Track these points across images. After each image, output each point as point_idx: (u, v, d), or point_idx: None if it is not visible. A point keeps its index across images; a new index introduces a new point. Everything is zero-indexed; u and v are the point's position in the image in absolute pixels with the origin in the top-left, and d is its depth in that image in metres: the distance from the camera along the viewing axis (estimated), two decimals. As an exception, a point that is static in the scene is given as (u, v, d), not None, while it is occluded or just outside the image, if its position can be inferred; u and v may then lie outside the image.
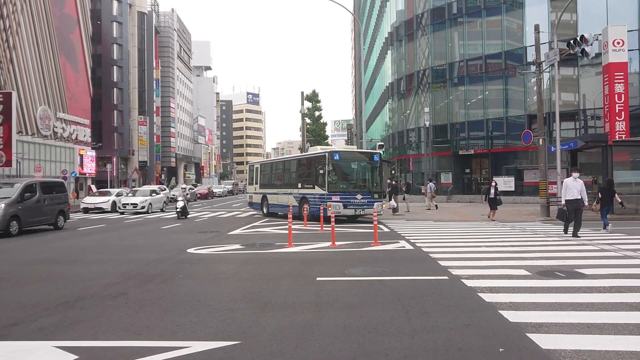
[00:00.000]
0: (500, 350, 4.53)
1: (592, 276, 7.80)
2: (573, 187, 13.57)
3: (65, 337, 5.15)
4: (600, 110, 27.86)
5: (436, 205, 27.29)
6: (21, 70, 40.59)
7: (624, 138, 23.81)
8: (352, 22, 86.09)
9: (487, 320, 5.51)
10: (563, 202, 13.91)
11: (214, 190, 56.45)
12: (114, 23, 63.25)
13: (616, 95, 24.60)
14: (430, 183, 27.93)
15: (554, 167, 22.15)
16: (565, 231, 14.09)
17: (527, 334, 4.95)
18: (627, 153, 22.10)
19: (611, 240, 12.32)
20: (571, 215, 13.55)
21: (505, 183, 32.76)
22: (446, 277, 7.93)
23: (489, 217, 20.27)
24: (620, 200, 15.63)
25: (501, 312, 5.80)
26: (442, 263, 9.25)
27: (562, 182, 22.14)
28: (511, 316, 5.60)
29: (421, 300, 6.47)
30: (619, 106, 24.65)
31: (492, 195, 20.08)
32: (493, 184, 20.82)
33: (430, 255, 10.35)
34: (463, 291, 6.94)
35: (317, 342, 4.85)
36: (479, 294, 6.72)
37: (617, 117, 24.59)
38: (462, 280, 7.66)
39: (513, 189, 32.19)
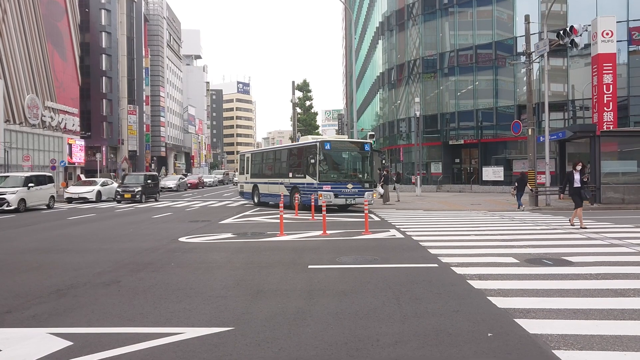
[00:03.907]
0: (489, 335, 4.64)
1: (579, 264, 7.94)
2: None
3: (59, 324, 5.19)
4: (589, 100, 28.09)
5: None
6: (8, 58, 40.06)
7: (611, 128, 24.06)
8: (344, 11, 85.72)
9: (476, 306, 5.62)
10: None
11: (205, 180, 56.34)
12: (103, 11, 62.51)
13: (604, 86, 24.82)
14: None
15: (542, 157, 22.35)
16: None
17: (515, 320, 5.06)
18: (614, 143, 22.32)
19: (598, 229, 12.51)
20: None
21: (494, 173, 33.04)
22: (436, 265, 8.05)
23: (572, 223, 13.46)
24: (531, 188, 20.32)
25: (490, 298, 5.91)
26: (432, 251, 9.37)
27: (551, 172, 22.49)
28: (499, 302, 5.72)
29: (411, 287, 6.57)
30: (607, 97, 24.87)
31: (577, 185, 13.51)
32: (578, 167, 13.75)
33: (420, 243, 10.46)
34: (453, 278, 7.06)
35: (310, 328, 4.92)
36: (468, 281, 6.84)
37: (605, 108, 24.82)
38: (451, 267, 7.78)
39: (502, 178, 32.46)
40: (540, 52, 20.71)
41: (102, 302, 6.05)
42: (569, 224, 13.54)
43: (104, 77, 62.43)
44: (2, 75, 38.71)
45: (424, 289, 6.44)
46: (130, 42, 69.87)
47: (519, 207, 19.69)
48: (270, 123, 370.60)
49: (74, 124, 51.52)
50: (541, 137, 23.13)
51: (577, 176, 13.58)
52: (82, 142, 53.82)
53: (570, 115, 31.40)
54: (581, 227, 12.70)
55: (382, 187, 23.59)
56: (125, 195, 27.88)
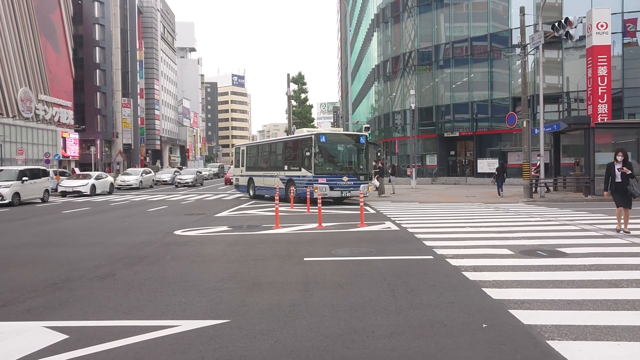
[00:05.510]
0: (484, 325, 4.67)
1: (573, 255, 7.99)
2: None
3: (55, 317, 5.19)
4: (584, 92, 28.16)
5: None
6: (0, 51, 39.70)
7: (606, 120, 24.13)
8: (339, 3, 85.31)
9: (471, 297, 5.65)
10: None
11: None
12: (96, 3, 61.97)
13: (599, 78, 24.87)
14: None
15: (537, 149, 22.40)
16: None
17: (510, 311, 5.09)
18: (609, 135, 22.40)
19: (591, 220, 12.59)
20: None
21: (489, 165, 33.09)
22: (431, 257, 8.08)
23: (625, 229, 10.29)
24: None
25: (484, 289, 5.94)
26: (427, 243, 9.40)
27: (545, 163, 22.55)
28: (494, 293, 5.75)
29: (407, 279, 6.59)
30: (601, 89, 24.93)
31: (618, 179, 10.39)
32: (618, 157, 10.43)
33: (416, 235, 10.49)
34: (448, 270, 7.08)
35: (305, 320, 4.94)
36: (463, 272, 6.87)
37: (599, 100, 24.88)
38: (446, 259, 7.80)
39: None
40: (535, 44, 20.72)
41: (98, 296, 6.04)
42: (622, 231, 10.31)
43: (97, 70, 61.98)
44: (-6, 68, 38.41)
45: (419, 281, 6.46)
46: (123, 35, 69.35)
47: (499, 195, 21.97)
48: (266, 116, 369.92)
49: (67, 117, 51.23)
50: (536, 129, 23.17)
51: (616, 167, 10.47)
52: (76, 136, 53.52)
53: (565, 107, 31.49)
54: (620, 230, 10.34)
55: (377, 180, 23.62)
56: None
